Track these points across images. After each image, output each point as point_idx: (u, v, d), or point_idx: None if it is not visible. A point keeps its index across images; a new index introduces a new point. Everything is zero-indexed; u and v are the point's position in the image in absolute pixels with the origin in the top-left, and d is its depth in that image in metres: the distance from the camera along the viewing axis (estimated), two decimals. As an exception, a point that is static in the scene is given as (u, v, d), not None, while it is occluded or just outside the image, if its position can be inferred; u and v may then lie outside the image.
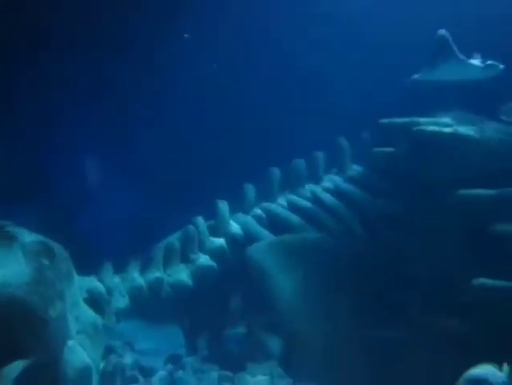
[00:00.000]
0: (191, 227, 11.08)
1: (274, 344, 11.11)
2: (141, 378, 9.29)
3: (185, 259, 10.86)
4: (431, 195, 9.47)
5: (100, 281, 9.87)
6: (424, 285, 9.22)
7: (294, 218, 11.28)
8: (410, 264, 9.44)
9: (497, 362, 7.69)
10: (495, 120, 10.04)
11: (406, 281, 9.37)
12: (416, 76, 10.62)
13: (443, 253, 9.16)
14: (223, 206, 11.40)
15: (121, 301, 10.01)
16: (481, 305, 8.31)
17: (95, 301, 9.48)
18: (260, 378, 9.12)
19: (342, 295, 9.87)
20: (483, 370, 4.35)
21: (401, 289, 9.39)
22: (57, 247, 8.54)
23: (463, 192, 9.12)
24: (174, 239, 11.10)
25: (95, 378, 8.73)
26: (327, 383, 9.34)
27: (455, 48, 9.97)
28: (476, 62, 10.03)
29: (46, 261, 7.90)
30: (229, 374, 9.36)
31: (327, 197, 11.50)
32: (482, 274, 8.48)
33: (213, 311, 11.20)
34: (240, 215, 11.58)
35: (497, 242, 8.53)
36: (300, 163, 12.11)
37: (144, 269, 10.50)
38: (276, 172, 12.01)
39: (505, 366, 4.87)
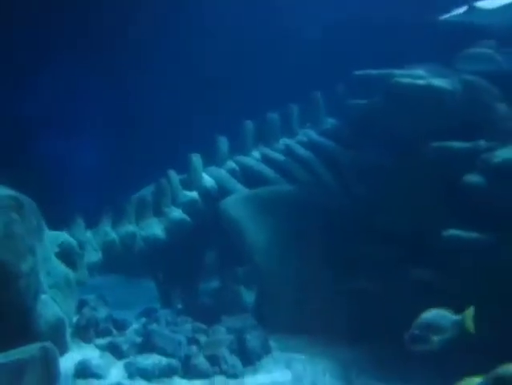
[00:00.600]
0: (163, 180, 10.97)
1: (248, 296, 11.22)
2: (115, 331, 9.31)
3: (158, 213, 10.79)
4: (405, 147, 9.44)
5: (72, 235, 9.72)
6: (397, 237, 9.25)
7: (268, 171, 11.27)
8: (384, 216, 9.45)
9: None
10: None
11: (380, 233, 9.40)
12: (446, 16, 10.36)
13: (416, 205, 9.18)
14: (196, 159, 11.29)
15: (93, 256, 9.93)
16: (454, 257, 8.38)
17: (67, 256, 9.36)
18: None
19: (315, 248, 9.91)
20: (433, 314, 4.43)
21: (375, 241, 9.42)
22: (27, 201, 8.39)
23: (436, 144, 9.11)
24: (146, 192, 11.00)
25: (68, 332, 8.73)
26: (301, 335, 9.45)
27: None
28: None
29: (15, 216, 7.76)
30: (203, 326, 9.40)
31: (301, 150, 11.48)
32: (455, 226, 8.53)
33: (187, 265, 11.22)
34: (213, 168, 11.51)
35: (470, 194, 8.57)
36: (274, 116, 12.02)
37: (116, 223, 10.39)
38: (250, 124, 11.91)
39: (468, 311, 4.91)
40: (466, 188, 8.55)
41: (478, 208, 8.40)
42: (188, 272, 11.31)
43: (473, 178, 8.56)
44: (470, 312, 4.32)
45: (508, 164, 8.32)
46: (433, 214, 8.89)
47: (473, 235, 8.21)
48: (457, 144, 8.96)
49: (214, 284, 11.76)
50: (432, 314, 4.67)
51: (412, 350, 4.77)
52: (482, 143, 8.91)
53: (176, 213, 10.84)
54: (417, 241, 8.91)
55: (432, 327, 4.36)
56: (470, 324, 4.30)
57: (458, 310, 5.66)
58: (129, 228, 10.38)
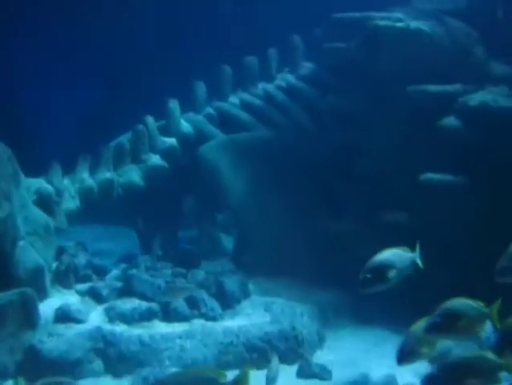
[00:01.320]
0: (141, 126, 10.83)
1: (227, 242, 11.30)
2: (95, 277, 9.34)
3: (136, 159, 10.70)
4: (382, 90, 9.42)
5: (49, 182, 9.64)
6: (375, 181, 9.31)
7: (246, 117, 11.18)
8: (362, 161, 9.50)
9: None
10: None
11: (356, 176, 9.46)
12: None
13: (392, 147, 9.23)
14: (174, 105, 11.15)
15: (71, 203, 9.87)
16: (428, 199, 8.48)
17: (45, 203, 9.32)
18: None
19: (293, 191, 9.95)
20: (389, 254, 4.35)
21: (351, 184, 9.49)
22: (1, 148, 8.31)
23: (413, 87, 9.10)
24: (124, 139, 10.88)
25: (47, 278, 8.77)
26: (280, 278, 9.57)
27: None
28: None
29: (-11, 163, 7.68)
30: (183, 270, 9.46)
31: (279, 95, 11.39)
32: (432, 169, 8.61)
33: (166, 212, 11.22)
34: (191, 114, 11.37)
35: (445, 136, 8.61)
36: (252, 60, 11.85)
37: (93, 170, 10.31)
38: (228, 69, 11.73)
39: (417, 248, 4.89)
40: (443, 131, 8.59)
41: (454, 151, 8.47)
42: (168, 219, 11.32)
43: (449, 121, 8.60)
44: (417, 249, 4.30)
45: (484, 106, 8.37)
46: (411, 157, 8.94)
47: (448, 178, 8.30)
48: (434, 88, 8.96)
49: (194, 230, 11.81)
50: (385, 254, 4.54)
51: (363, 293, 4.61)
52: (459, 86, 8.92)
53: (155, 160, 10.77)
54: (394, 185, 8.98)
55: (384, 267, 4.24)
56: (420, 261, 4.28)
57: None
58: (107, 175, 10.30)
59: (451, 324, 4.08)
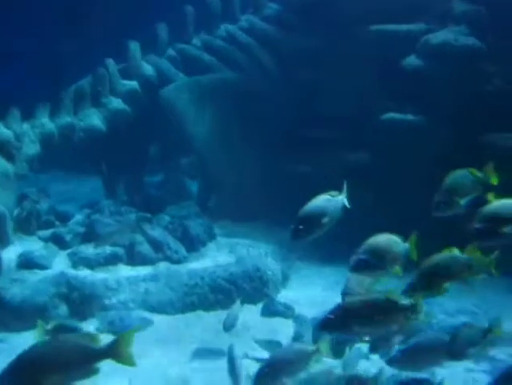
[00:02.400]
0: (101, 69, 10.58)
1: (193, 186, 11.28)
2: (57, 223, 9.27)
3: (97, 103, 10.49)
4: (345, 31, 9.32)
5: (8, 127, 9.41)
6: (337, 121, 9.30)
7: (209, 58, 10.99)
8: (324, 100, 9.45)
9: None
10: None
11: (319, 117, 9.43)
12: None
13: (356, 88, 9.19)
14: (135, 47, 10.89)
15: (32, 148, 9.66)
16: (390, 139, 8.50)
17: (4, 148, 9.12)
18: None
19: (257, 134, 9.91)
20: (319, 201, 4.20)
21: (315, 125, 9.46)
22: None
23: (375, 26, 9.03)
24: (84, 82, 10.62)
25: (9, 225, 8.66)
26: (245, 220, 9.61)
27: None
28: None
29: None
30: (148, 215, 9.43)
31: (243, 37, 11.20)
32: (393, 109, 8.62)
33: (130, 156, 11.10)
34: (153, 56, 11.12)
35: (408, 76, 8.59)
36: (216, 2, 11.59)
37: (53, 115, 10.08)
38: (190, 10, 11.45)
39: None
40: (405, 70, 8.57)
41: (416, 90, 8.47)
42: (132, 163, 11.20)
43: (411, 60, 8.57)
44: (344, 190, 4.23)
45: (446, 45, 8.35)
46: (372, 98, 8.93)
47: (409, 117, 8.32)
48: (395, 27, 8.89)
49: (159, 175, 11.75)
50: (315, 202, 4.35)
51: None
52: (421, 25, 8.86)
53: (116, 103, 10.57)
54: (356, 125, 8.98)
55: (316, 215, 4.05)
56: (347, 202, 4.20)
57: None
58: (67, 119, 10.09)
59: (377, 260, 4.07)
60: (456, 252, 3.87)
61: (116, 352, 3.51)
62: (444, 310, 7.95)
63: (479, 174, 3.81)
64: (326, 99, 9.45)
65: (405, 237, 4.60)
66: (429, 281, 3.91)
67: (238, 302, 6.91)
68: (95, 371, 3.50)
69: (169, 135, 10.86)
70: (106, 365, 6.23)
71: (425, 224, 5.12)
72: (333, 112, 9.29)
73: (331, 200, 4.02)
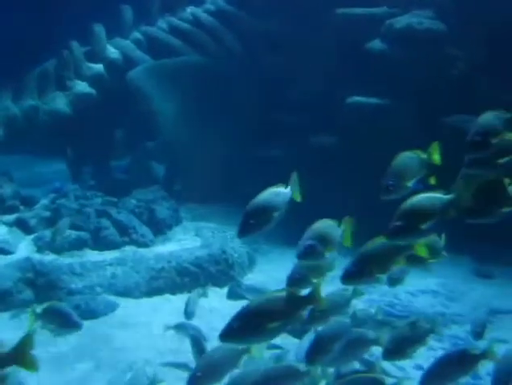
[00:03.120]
0: (66, 52, 10.47)
1: (160, 170, 11.23)
2: (22, 208, 9.17)
3: (61, 86, 10.38)
4: (310, 14, 9.33)
5: (-31, 111, 9.30)
6: (305, 106, 9.33)
7: (175, 41, 10.93)
8: (290, 83, 9.48)
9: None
10: None
11: (287, 102, 9.45)
12: None
13: (321, 71, 9.22)
14: (99, 30, 10.80)
15: (-5, 132, 9.57)
16: (355, 122, 8.57)
17: (-34, 132, 9.01)
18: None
19: (225, 118, 9.89)
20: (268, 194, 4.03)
21: (283, 110, 9.49)
22: None
23: (343, 10, 9.06)
24: (48, 66, 10.50)
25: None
26: (211, 204, 9.63)
27: None
28: None
29: None
30: (114, 199, 9.38)
31: (209, 20, 11.15)
32: (358, 93, 8.67)
33: (96, 141, 11.00)
34: (118, 39, 11.04)
35: (373, 60, 8.65)
36: (181, -16, 11.52)
37: (16, 98, 9.96)
38: (155, -8, 11.39)
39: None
40: (369, 54, 8.62)
41: (381, 74, 8.53)
42: (98, 148, 11.12)
43: (376, 44, 8.63)
44: (293, 182, 4.00)
45: (410, 29, 8.42)
46: (338, 81, 8.97)
47: (373, 100, 8.39)
48: (360, 11, 8.93)
49: (126, 160, 11.67)
50: (264, 196, 4.17)
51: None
52: (386, 9, 8.92)
53: (81, 87, 10.48)
54: (323, 109, 9.02)
55: (266, 209, 3.89)
56: (297, 195, 3.94)
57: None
58: (31, 102, 9.97)
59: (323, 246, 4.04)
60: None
61: (18, 357, 3.32)
62: (408, 290, 8.11)
63: (423, 155, 3.81)
64: (292, 83, 9.46)
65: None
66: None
67: (198, 290, 6.87)
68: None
69: (136, 118, 10.78)
70: (72, 349, 6.31)
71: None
72: (300, 96, 9.31)
73: (279, 194, 3.83)
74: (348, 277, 3.89)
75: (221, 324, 3.53)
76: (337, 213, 7.16)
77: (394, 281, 5.66)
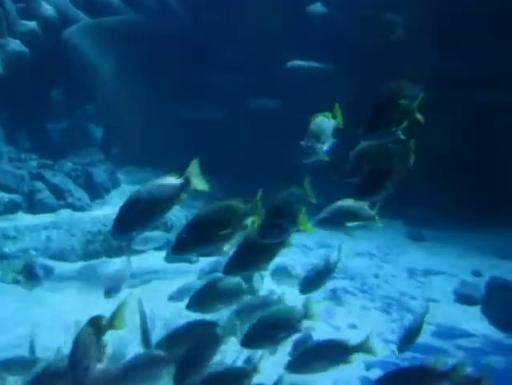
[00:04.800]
0: (-3, 8, 10.05)
1: (96, 132, 11.01)
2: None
3: (-7, 45, 9.99)
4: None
5: None
6: (244, 67, 9.27)
7: None
8: (229, 46, 9.37)
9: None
10: None
11: (227, 63, 9.36)
12: None
13: (263, 35, 9.14)
14: (33, -14, 10.39)
15: None
16: (295, 85, 8.58)
17: None
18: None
19: (163, 78, 9.73)
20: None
21: (221, 71, 9.39)
22: None
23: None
24: (-21, 22, 10.07)
25: None
26: (149, 167, 9.52)
27: None
28: None
29: None
30: (49, 162, 9.20)
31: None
32: (299, 57, 8.67)
33: (31, 102, 10.69)
34: (54, -4, 10.67)
35: (313, 24, 8.64)
36: None
37: None
38: None
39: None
40: (311, 17, 8.60)
41: (321, 38, 8.53)
42: (34, 109, 10.80)
43: (317, 7, 8.60)
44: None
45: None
46: (279, 43, 8.92)
47: (315, 64, 8.39)
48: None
49: (63, 122, 11.40)
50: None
51: None
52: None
53: (14, 45, 10.09)
54: (262, 71, 8.98)
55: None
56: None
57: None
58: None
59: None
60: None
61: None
62: (345, 252, 8.25)
63: (332, 119, 3.86)
64: (233, 44, 9.36)
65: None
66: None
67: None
68: None
69: (73, 79, 10.50)
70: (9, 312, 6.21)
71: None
72: (240, 57, 9.23)
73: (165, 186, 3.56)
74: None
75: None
76: (277, 174, 7.24)
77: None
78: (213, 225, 3.34)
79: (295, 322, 3.88)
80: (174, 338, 3.72)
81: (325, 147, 3.86)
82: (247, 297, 4.08)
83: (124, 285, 5.78)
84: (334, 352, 3.99)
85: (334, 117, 3.90)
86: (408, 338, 4.48)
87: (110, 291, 5.53)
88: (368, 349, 4.02)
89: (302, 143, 3.82)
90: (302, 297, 4.25)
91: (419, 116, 3.50)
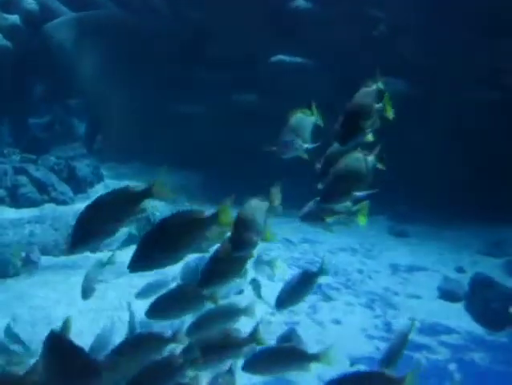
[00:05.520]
0: (-21, 1, 9.98)
1: (81, 128, 10.96)
2: None
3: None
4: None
5: None
6: (226, 63, 9.25)
7: (96, -6, 10.59)
8: (214, 41, 9.35)
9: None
10: None
11: (210, 58, 9.34)
12: None
13: (246, 30, 9.13)
14: (15, -22, 10.30)
15: None
16: (279, 81, 8.58)
17: None
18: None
19: (144, 74, 9.69)
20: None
21: (205, 66, 9.37)
22: None
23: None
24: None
25: None
26: (133, 163, 9.51)
27: None
28: None
29: None
30: (33, 156, 9.14)
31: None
32: (282, 51, 8.67)
33: (13, 97, 10.61)
34: (36, -13, 10.57)
35: (296, 19, 8.65)
36: None
37: None
38: None
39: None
40: (293, 12, 8.60)
41: (304, 34, 8.55)
42: (16, 104, 10.72)
43: (299, 2, 8.60)
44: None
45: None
46: (262, 39, 8.92)
47: (298, 59, 8.40)
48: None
49: (46, 116, 11.34)
50: None
51: None
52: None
53: (-4, 39, 10.02)
54: (245, 67, 8.98)
55: None
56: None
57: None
58: None
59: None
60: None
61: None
62: (327, 248, 8.32)
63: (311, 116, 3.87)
64: (215, 40, 9.35)
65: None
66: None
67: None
68: None
69: (56, 74, 10.44)
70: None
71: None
72: (223, 53, 9.22)
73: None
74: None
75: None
76: (261, 169, 7.23)
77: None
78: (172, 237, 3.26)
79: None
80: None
81: (306, 145, 3.83)
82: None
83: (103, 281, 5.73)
84: (291, 358, 3.98)
85: (311, 114, 3.89)
86: (390, 358, 4.32)
87: (86, 291, 5.36)
88: (327, 359, 3.98)
89: (281, 138, 3.78)
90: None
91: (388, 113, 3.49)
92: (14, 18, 10.21)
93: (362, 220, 3.78)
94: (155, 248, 3.09)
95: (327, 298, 6.81)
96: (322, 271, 4.25)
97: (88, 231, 3.10)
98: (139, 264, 3.10)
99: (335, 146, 3.63)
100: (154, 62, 9.65)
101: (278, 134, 4.33)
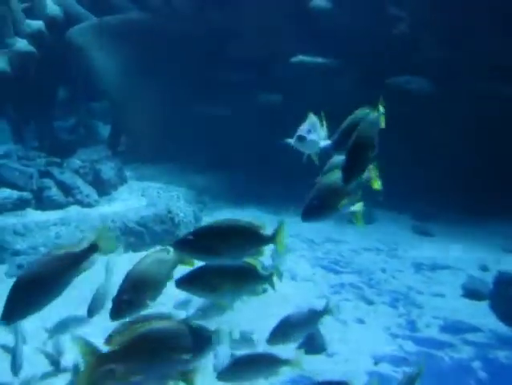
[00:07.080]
0: (4, 8, 10.03)
1: (105, 130, 11.08)
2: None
3: (1, 44, 10.01)
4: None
5: None
6: (249, 63, 9.29)
7: (118, -2, 10.70)
8: (235, 41, 9.39)
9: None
10: None
11: (231, 59, 9.39)
12: None
13: (268, 31, 9.16)
14: (39, -15, 10.44)
15: None
16: (299, 81, 8.60)
17: None
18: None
19: (168, 76, 9.75)
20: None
21: (227, 67, 9.42)
22: None
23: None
24: (-14, 22, 10.13)
25: None
26: (157, 164, 9.58)
27: None
28: None
29: None
30: (57, 159, 9.24)
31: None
32: (303, 52, 8.69)
33: (38, 100, 10.76)
34: (59, -5, 10.70)
35: (317, 19, 8.65)
36: None
37: (-47, 55, 9.59)
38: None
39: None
40: (314, 13, 8.61)
41: (325, 34, 8.55)
42: (41, 107, 10.87)
43: (319, 2, 8.60)
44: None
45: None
46: (283, 40, 8.95)
47: (319, 60, 8.41)
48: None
49: (70, 120, 11.48)
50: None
51: None
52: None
53: (21, 45, 10.14)
54: (267, 67, 9.01)
55: None
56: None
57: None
58: (-32, 60, 9.63)
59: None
60: None
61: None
62: (351, 248, 8.31)
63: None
64: (237, 41, 9.39)
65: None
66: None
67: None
68: None
69: (79, 78, 10.57)
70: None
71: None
72: (245, 54, 9.26)
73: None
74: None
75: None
76: (286, 171, 7.21)
77: None
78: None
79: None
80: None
81: (321, 141, 3.93)
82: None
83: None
84: (264, 364, 3.99)
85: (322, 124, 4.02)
86: None
87: (92, 310, 5.21)
88: (296, 363, 4.01)
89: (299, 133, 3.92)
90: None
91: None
92: (39, 24, 10.34)
93: (376, 184, 3.73)
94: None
95: (350, 297, 6.82)
96: (327, 311, 4.27)
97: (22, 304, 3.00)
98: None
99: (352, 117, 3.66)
100: (178, 65, 9.72)
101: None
